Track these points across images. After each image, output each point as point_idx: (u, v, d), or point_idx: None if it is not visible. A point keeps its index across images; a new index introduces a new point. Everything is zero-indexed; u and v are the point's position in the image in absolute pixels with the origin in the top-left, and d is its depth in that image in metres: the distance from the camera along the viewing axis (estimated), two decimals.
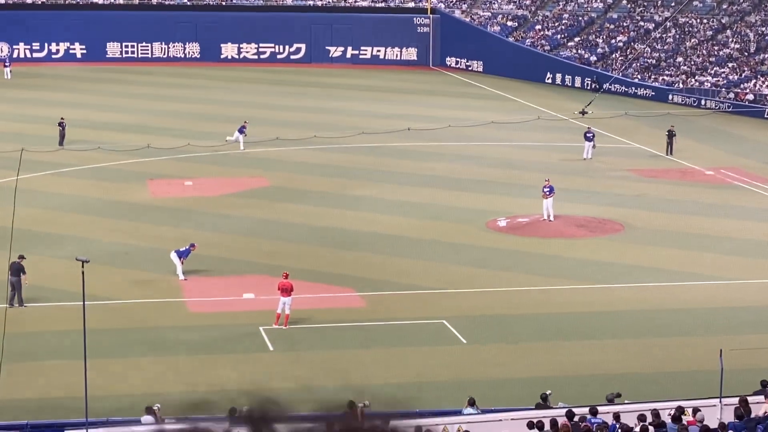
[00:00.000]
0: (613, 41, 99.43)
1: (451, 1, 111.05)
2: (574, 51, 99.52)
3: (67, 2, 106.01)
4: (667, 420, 25.46)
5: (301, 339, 36.98)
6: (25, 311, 38.98)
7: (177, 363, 35.06)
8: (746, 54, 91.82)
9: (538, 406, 28.39)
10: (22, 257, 39.89)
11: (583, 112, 78.55)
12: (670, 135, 67.29)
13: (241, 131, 66.75)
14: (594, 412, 26.08)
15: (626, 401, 28.91)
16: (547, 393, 29.07)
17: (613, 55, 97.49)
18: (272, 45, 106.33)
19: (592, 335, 37.71)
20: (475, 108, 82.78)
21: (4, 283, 39.58)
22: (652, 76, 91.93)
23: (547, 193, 51.35)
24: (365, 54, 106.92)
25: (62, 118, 67.60)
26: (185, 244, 43.69)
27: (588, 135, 65.70)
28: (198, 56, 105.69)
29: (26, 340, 36.32)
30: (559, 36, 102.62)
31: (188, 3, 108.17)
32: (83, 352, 27.07)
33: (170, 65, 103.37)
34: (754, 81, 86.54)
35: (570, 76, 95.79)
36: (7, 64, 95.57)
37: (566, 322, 38.72)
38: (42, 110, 78.24)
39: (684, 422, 24.92)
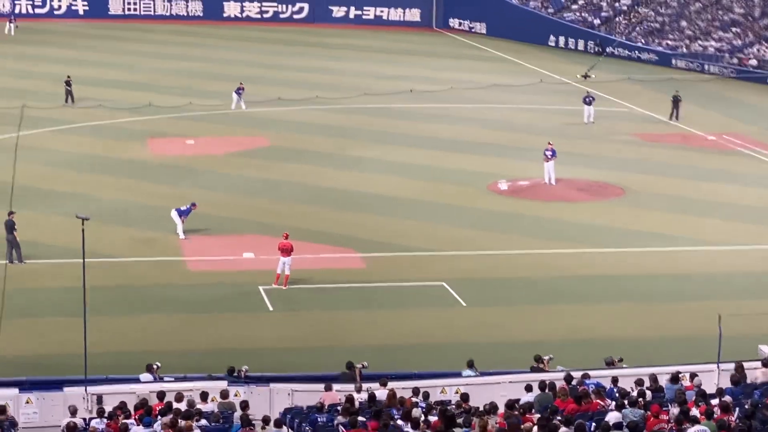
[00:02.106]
0: (617, 4, 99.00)
1: None
2: (578, 14, 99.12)
3: None
4: (665, 384, 25.53)
5: (300, 299, 37.02)
6: (25, 268, 38.98)
7: (176, 321, 35.12)
8: (751, 19, 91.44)
9: (533, 369, 28.45)
10: (12, 213, 39.81)
11: (586, 76, 78.31)
12: (676, 100, 66.96)
13: (237, 93, 66.43)
14: (586, 377, 26.14)
15: (624, 366, 28.98)
16: (545, 357, 29.06)
17: (617, 19, 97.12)
18: (275, 4, 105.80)
19: (591, 299, 37.74)
20: (478, 70, 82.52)
21: (2, 239, 39.59)
22: (656, 40, 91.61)
23: (549, 156, 51.25)
24: (368, 14, 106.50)
25: (69, 77, 67.27)
26: (186, 203, 43.66)
27: (587, 99, 65.38)
28: (201, 14, 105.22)
29: (25, 297, 36.38)
30: None
31: None
32: (83, 309, 27.10)
33: (173, 23, 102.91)
34: (758, 46, 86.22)
35: (573, 40, 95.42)
36: (12, 20, 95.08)
37: (566, 286, 38.76)
38: (43, 67, 78.03)
39: (681, 386, 24.98)
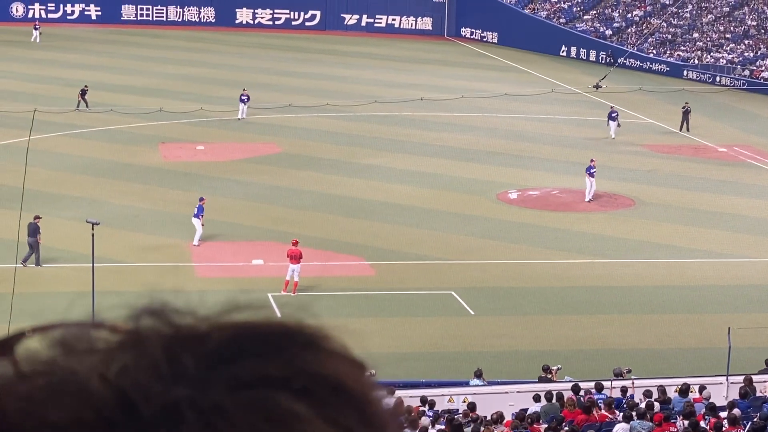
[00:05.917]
0: (629, 15, 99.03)
1: None
2: (590, 24, 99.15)
3: None
4: (674, 396, 25.47)
5: (309, 306, 36.89)
6: (34, 271, 39.03)
7: None
8: (763, 31, 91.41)
9: (541, 379, 28.42)
10: (38, 217, 40.02)
11: (597, 86, 78.25)
12: (686, 112, 66.92)
13: (241, 101, 65.86)
14: (600, 388, 26.10)
15: (633, 377, 28.92)
16: (554, 368, 29.02)
17: (629, 30, 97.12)
18: (287, 11, 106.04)
19: (600, 310, 37.68)
20: (489, 79, 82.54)
21: (13, 242, 39.59)
22: (668, 52, 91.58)
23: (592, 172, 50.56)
24: (380, 22, 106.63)
25: (86, 86, 67.25)
26: (195, 207, 43.60)
27: (612, 114, 64.46)
28: (213, 21, 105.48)
29: (35, 300, 36.39)
30: (575, 9, 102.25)
31: None
32: (91, 314, 27.09)
33: (185, 29, 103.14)
34: None
35: (585, 50, 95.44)
36: (36, 26, 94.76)
37: (574, 296, 38.71)
38: (56, 71, 78.21)
39: (690, 399, 24.93)
